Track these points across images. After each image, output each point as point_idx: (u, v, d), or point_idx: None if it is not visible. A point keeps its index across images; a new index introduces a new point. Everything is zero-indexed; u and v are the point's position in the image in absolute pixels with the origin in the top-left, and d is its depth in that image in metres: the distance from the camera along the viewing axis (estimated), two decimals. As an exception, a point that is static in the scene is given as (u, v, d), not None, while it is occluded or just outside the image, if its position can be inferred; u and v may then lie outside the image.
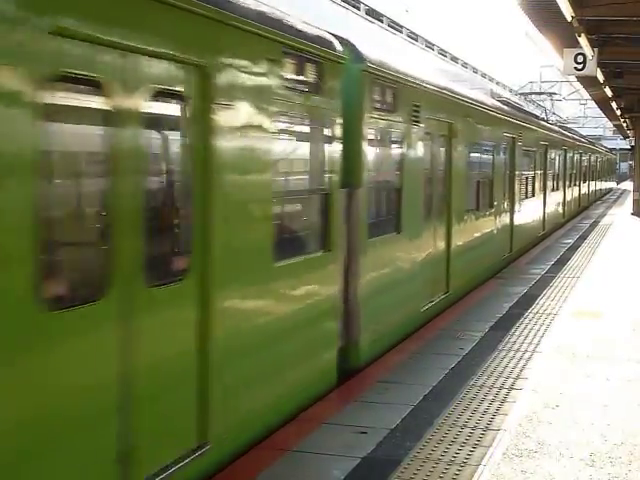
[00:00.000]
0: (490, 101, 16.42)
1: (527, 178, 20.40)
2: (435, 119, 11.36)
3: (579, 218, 34.18)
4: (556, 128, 29.73)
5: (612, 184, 75.13)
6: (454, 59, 51.13)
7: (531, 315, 12.10)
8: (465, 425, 7.03)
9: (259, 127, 6.26)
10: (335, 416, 7.19)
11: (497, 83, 51.96)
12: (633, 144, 40.35)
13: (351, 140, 8.35)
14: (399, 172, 9.99)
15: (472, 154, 14.10)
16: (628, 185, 65.09)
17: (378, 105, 9.13)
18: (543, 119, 30.05)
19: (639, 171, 36.82)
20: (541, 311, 12.44)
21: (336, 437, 6.68)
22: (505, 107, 17.79)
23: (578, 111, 62.45)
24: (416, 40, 44.06)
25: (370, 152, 9.04)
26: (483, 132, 14.94)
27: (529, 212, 20.90)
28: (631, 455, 6.47)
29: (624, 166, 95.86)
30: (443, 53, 49.17)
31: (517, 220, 18.61)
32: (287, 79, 6.73)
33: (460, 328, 11.03)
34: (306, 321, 7.37)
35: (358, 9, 35.23)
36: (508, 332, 10.84)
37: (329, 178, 7.83)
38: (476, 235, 14.52)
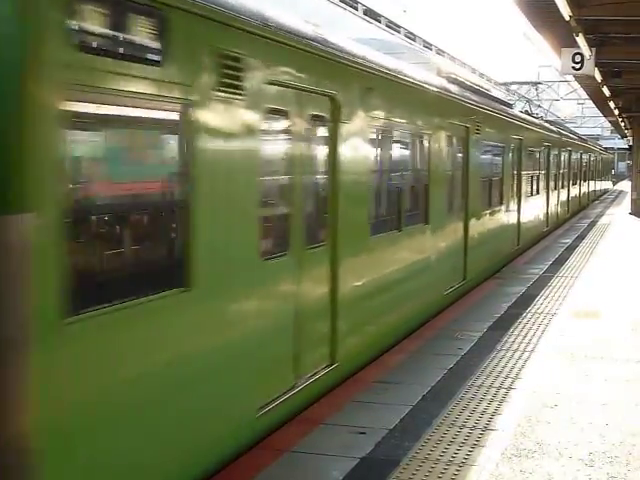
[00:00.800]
0: (423, 74, 11.26)
1: (491, 181, 15.94)
2: (290, 87, 6.94)
3: (577, 218, 34.16)
4: (537, 121, 24.59)
5: (608, 185, 72.31)
6: (452, 59, 51.18)
7: (529, 315, 12.09)
8: (464, 425, 7.03)
9: None
10: (334, 416, 7.18)
11: (496, 83, 51.94)
12: (631, 144, 40.42)
13: None
14: (185, 179, 5.40)
15: (385, 147, 9.86)
16: (626, 186, 65.03)
17: (103, 44, 4.51)
18: (527, 112, 27.55)
19: (637, 171, 36.82)
20: (539, 311, 12.44)
21: (334, 437, 6.68)
22: (452, 86, 13.05)
23: (576, 110, 62.52)
24: (414, 40, 44.10)
25: (80, 139, 4.61)
26: (406, 115, 10.29)
27: (494, 224, 16.37)
28: (629, 455, 6.47)
29: (622, 166, 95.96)
30: (441, 53, 49.21)
31: (474, 237, 14.19)
32: None
33: (458, 328, 11.03)
34: None
35: (356, 9, 35.24)
36: (506, 332, 10.84)
37: None
38: (394, 268, 9.85)
